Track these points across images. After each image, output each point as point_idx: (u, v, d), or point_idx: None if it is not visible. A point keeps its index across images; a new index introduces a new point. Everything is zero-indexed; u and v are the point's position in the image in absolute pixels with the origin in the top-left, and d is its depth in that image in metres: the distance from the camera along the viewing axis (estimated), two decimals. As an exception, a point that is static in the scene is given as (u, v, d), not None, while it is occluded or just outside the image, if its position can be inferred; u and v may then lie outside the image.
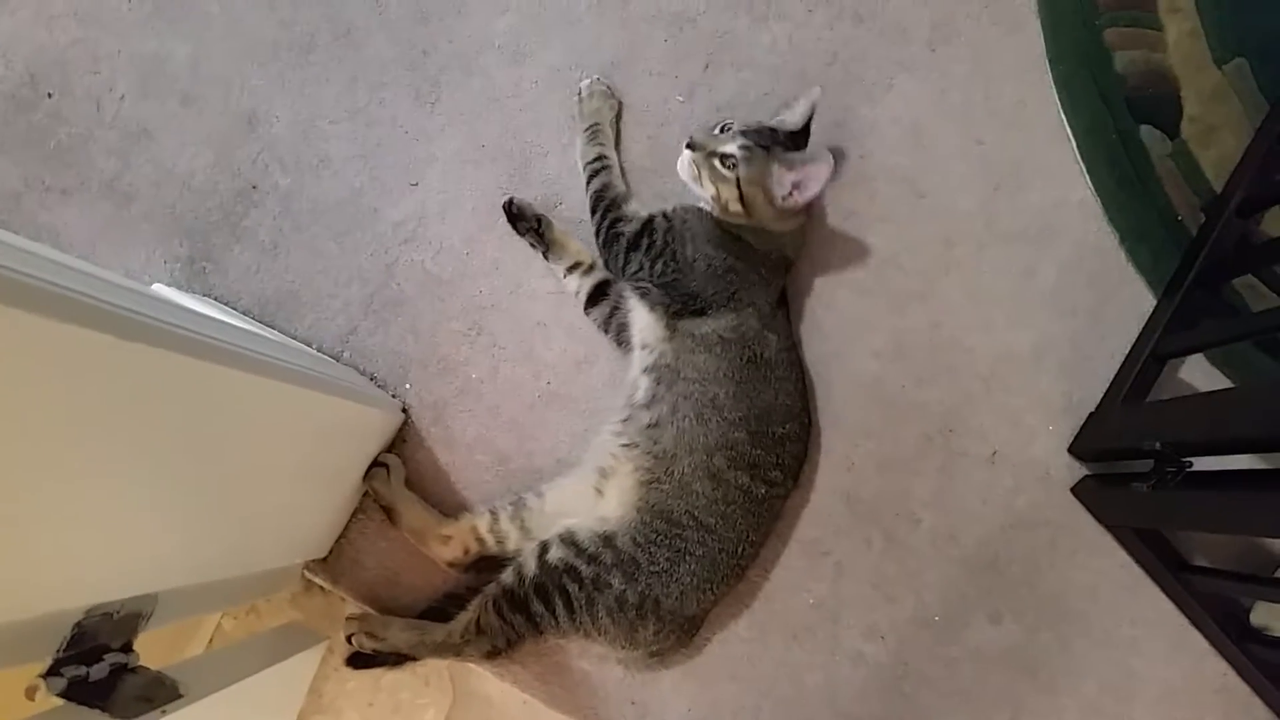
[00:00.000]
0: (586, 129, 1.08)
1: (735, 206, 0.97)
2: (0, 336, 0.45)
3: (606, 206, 1.03)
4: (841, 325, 1.07)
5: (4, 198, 1.12)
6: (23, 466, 0.52)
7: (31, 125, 1.13)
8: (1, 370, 0.46)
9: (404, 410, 1.06)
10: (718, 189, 0.96)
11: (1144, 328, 1.04)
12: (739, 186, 0.95)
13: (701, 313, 0.97)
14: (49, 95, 1.14)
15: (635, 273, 1.00)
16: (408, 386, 1.07)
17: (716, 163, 0.96)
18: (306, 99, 1.14)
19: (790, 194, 0.96)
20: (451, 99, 1.13)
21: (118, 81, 1.14)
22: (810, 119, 1.01)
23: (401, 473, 1.03)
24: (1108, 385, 1.03)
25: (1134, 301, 1.07)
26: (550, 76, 1.13)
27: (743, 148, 0.95)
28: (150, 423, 0.61)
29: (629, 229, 1.00)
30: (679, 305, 0.98)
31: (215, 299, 1.09)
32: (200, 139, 1.13)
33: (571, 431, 1.06)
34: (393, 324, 1.09)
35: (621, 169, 1.09)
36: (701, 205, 1.00)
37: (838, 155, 1.09)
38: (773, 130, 0.98)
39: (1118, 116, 1.13)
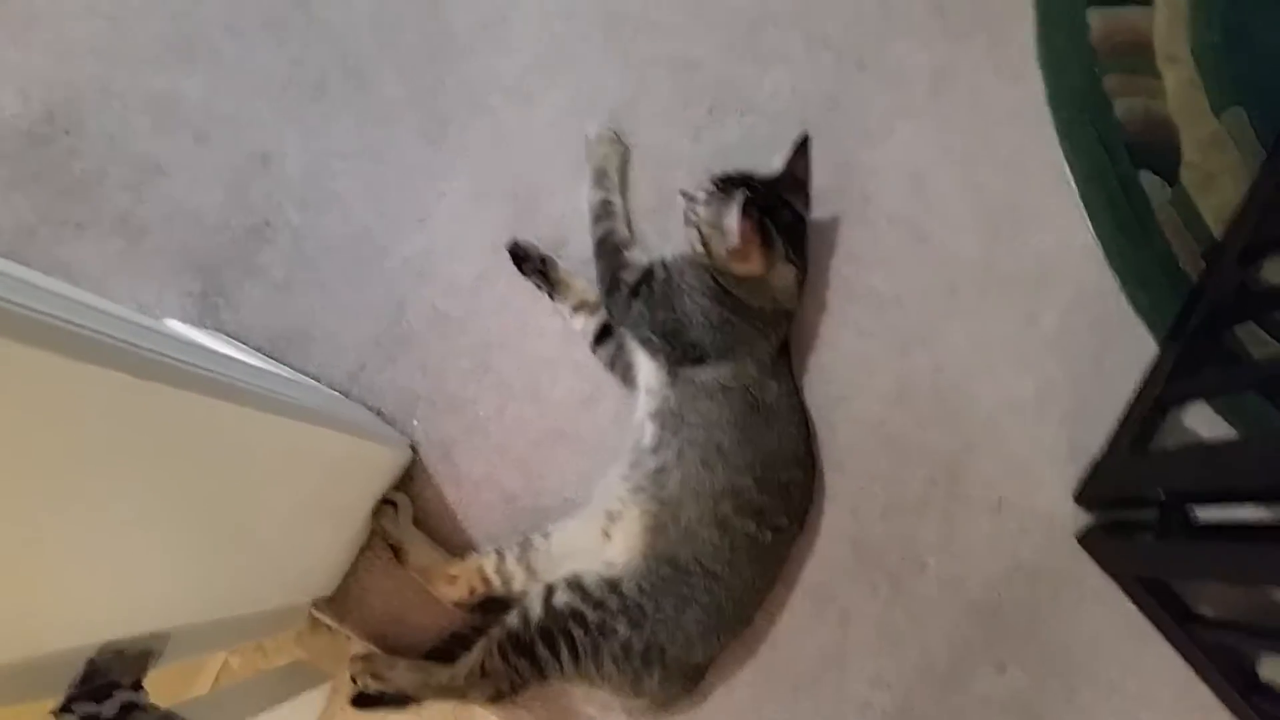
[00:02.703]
0: (593, 173, 1.09)
1: (699, 248, 0.99)
2: (16, 374, 0.46)
3: (609, 253, 1.05)
4: (845, 368, 1.08)
5: (19, 232, 1.13)
6: (41, 504, 0.52)
7: (47, 160, 1.14)
8: (15, 407, 0.47)
9: (412, 448, 1.07)
10: (690, 233, 0.99)
11: (1146, 375, 1.05)
12: (699, 229, 0.98)
13: (702, 361, 0.98)
14: (65, 131, 1.15)
15: (636, 320, 1.01)
16: (416, 424, 1.08)
17: (686, 207, 0.99)
18: (318, 137, 1.15)
19: (729, 235, 0.96)
20: (460, 138, 1.15)
21: (132, 118, 1.16)
22: (800, 163, 1.02)
23: (409, 511, 1.04)
24: (1111, 432, 1.04)
25: (1136, 347, 1.07)
26: (558, 117, 1.15)
27: (708, 192, 0.98)
28: (162, 459, 0.62)
29: (630, 277, 1.02)
30: (679, 353, 0.99)
31: (227, 334, 1.10)
32: (213, 175, 1.15)
33: (579, 471, 1.06)
34: (401, 361, 1.10)
35: (627, 213, 1.10)
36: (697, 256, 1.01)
37: (840, 198, 1.11)
38: (747, 176, 0.99)
39: (1118, 162, 1.15)
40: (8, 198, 1.14)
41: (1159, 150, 1.16)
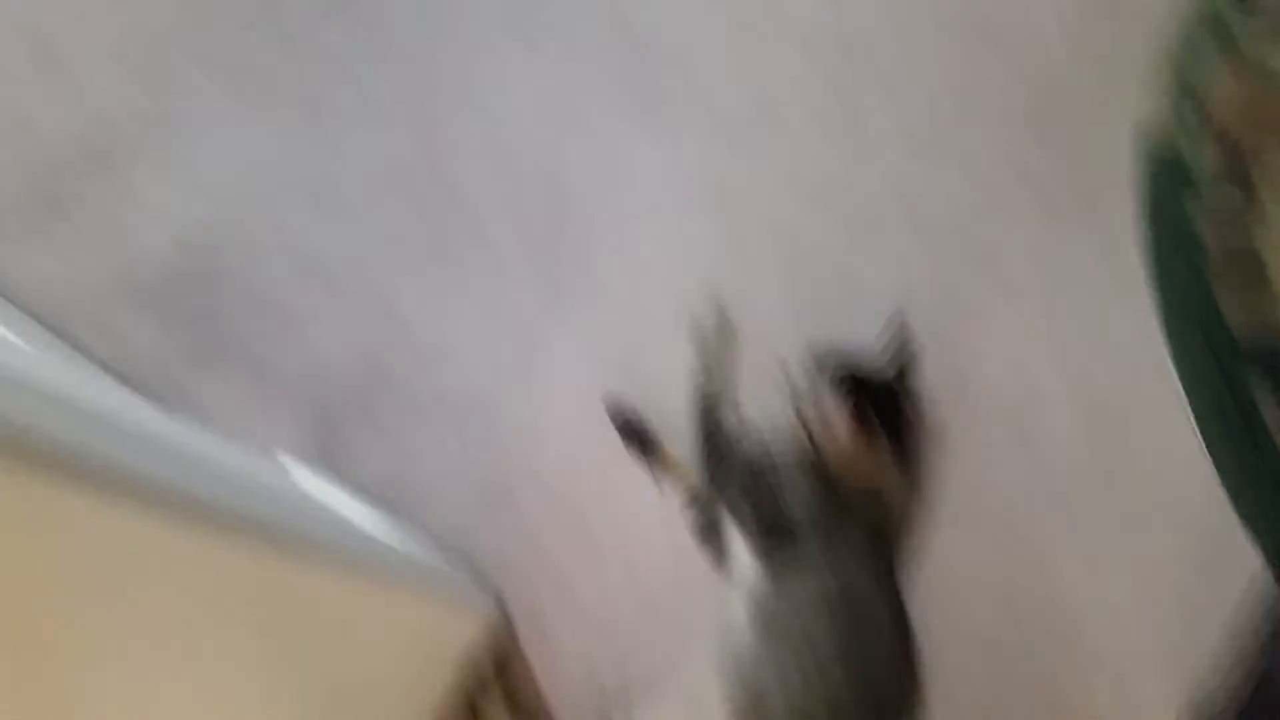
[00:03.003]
0: (698, 348, 1.13)
1: (802, 437, 0.99)
2: (127, 537, 0.47)
3: (709, 433, 1.07)
4: (947, 575, 1.06)
5: (154, 365, 1.20)
6: (129, 663, 0.52)
7: (186, 298, 1.23)
8: (113, 567, 0.47)
9: (501, 611, 1.08)
10: (792, 420, 1.00)
11: (1256, 603, 1.02)
12: (802, 417, 0.99)
13: (800, 554, 0.98)
14: (206, 272, 1.24)
15: (732, 502, 1.02)
16: (507, 587, 1.10)
17: (790, 392, 1.01)
18: (437, 289, 1.22)
19: (835, 430, 0.97)
20: (571, 298, 1.21)
21: (270, 263, 1.24)
22: (908, 361, 1.03)
23: (494, 682, 1.05)
24: (1219, 664, 1.00)
25: (1247, 567, 1.04)
26: (667, 283, 1.19)
27: (813, 378, 0.99)
28: (254, 622, 0.63)
29: (730, 460, 1.04)
30: (773, 542, 0.99)
31: (337, 477, 1.15)
32: (339, 323, 1.21)
33: (667, 648, 1.07)
34: (500, 521, 1.13)
35: (730, 390, 1.13)
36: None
37: (940, 388, 1.12)
38: (854, 364, 0.99)
39: (1225, 365, 1.13)
40: (143, 330, 1.22)
41: (1270, 354, 1.14)
